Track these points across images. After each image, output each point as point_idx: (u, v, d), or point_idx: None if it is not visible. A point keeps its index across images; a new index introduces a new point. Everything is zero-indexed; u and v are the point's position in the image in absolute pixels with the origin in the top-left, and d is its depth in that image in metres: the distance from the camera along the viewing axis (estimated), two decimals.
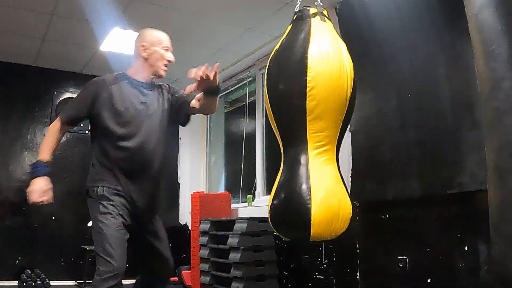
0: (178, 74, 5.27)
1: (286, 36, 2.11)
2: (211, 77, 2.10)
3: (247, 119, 5.27)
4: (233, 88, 5.48)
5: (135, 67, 2.30)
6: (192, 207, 4.75)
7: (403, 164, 2.96)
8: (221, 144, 5.91)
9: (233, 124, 5.98)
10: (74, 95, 5.16)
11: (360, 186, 3.27)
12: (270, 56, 2.15)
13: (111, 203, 2.08)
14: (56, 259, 4.83)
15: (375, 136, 3.23)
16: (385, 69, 3.19)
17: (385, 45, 3.21)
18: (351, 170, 3.36)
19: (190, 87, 2.23)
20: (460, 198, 2.60)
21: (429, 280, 2.74)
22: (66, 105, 5.08)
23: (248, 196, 4.74)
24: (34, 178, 2.08)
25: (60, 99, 5.17)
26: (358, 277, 3.25)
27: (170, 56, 2.32)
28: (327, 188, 1.96)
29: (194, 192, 4.91)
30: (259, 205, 4.54)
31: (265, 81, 2.14)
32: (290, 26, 2.15)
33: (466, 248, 2.55)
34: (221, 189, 5.66)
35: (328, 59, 1.98)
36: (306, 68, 1.95)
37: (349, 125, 2.19)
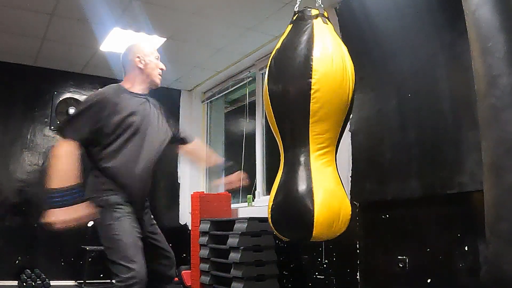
0: (178, 74, 5.28)
1: (287, 36, 2.11)
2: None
3: (247, 119, 5.27)
4: (233, 88, 5.48)
5: (131, 79, 2.31)
6: (192, 207, 4.75)
7: (403, 164, 2.96)
8: (221, 144, 5.91)
9: (233, 124, 5.98)
10: (74, 95, 5.19)
11: (360, 186, 3.27)
12: (271, 56, 2.15)
13: (124, 210, 2.08)
14: (56, 259, 4.83)
15: (375, 136, 3.23)
16: (385, 69, 3.19)
17: (385, 45, 3.21)
18: (351, 170, 3.36)
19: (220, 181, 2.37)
20: (460, 198, 2.60)
21: (429, 280, 2.74)
22: (66, 105, 5.14)
23: (248, 196, 4.74)
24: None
25: (60, 99, 5.16)
26: (358, 277, 3.25)
27: (162, 64, 2.38)
28: (328, 189, 1.98)
29: (194, 192, 4.91)
30: (259, 205, 4.54)
31: (266, 81, 2.14)
32: (290, 26, 2.15)
33: (466, 248, 2.55)
34: (221, 189, 5.66)
35: (332, 62, 1.99)
36: (311, 71, 1.95)
37: (348, 125, 2.20)
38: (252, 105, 5.07)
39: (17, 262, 4.62)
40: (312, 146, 2.01)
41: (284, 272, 3.93)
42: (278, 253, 3.89)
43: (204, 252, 4.27)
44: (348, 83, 2.04)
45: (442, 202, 2.74)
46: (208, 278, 4.18)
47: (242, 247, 3.71)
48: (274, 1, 3.67)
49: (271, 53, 2.16)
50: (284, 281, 3.92)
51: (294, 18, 2.15)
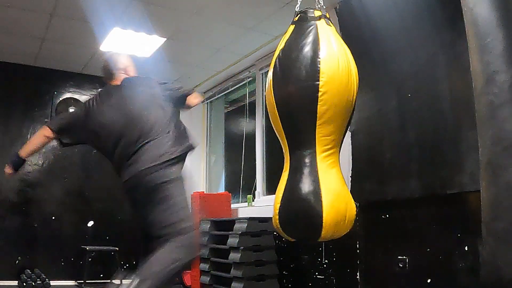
0: (178, 74, 5.27)
1: (291, 37, 2.11)
2: None
3: (247, 119, 5.27)
4: (233, 88, 5.48)
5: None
6: (192, 207, 4.74)
7: (403, 164, 2.96)
8: (221, 144, 5.91)
9: (233, 124, 5.98)
10: (74, 95, 5.20)
11: (360, 186, 3.27)
12: (275, 56, 2.14)
13: None
14: (56, 259, 4.83)
15: (375, 136, 3.23)
16: (385, 69, 3.19)
17: (385, 45, 3.21)
18: (351, 170, 3.36)
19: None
20: (460, 198, 2.60)
21: (429, 280, 2.74)
22: (66, 105, 5.14)
23: (248, 196, 4.74)
24: None
25: (60, 99, 5.17)
26: (358, 277, 3.25)
27: None
28: (335, 190, 2.02)
29: (194, 192, 4.91)
30: (259, 205, 4.53)
31: (270, 82, 2.13)
32: (293, 27, 2.14)
33: (466, 248, 2.55)
34: (221, 189, 5.66)
35: (338, 64, 2.01)
36: (318, 73, 1.97)
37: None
38: (252, 105, 5.07)
39: (17, 262, 4.62)
40: (319, 148, 2.04)
41: (284, 272, 3.93)
42: (278, 253, 3.90)
43: (204, 252, 4.27)
44: (353, 85, 2.06)
45: (442, 202, 2.74)
46: (208, 278, 4.18)
47: (242, 247, 3.71)
48: (274, 1, 3.67)
49: (274, 53, 2.16)
50: (284, 281, 3.92)
51: (296, 18, 2.15)
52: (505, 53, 1.50)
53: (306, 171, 2.03)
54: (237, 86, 5.42)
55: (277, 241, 3.91)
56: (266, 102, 2.20)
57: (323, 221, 1.93)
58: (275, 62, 2.12)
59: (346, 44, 2.14)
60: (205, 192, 5.47)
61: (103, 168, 4.62)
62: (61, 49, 4.63)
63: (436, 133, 2.78)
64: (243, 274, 3.66)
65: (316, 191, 1.98)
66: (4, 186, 4.71)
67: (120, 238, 4.88)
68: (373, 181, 3.19)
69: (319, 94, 1.97)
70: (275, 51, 2.18)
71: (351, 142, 3.38)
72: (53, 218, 4.86)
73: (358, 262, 3.26)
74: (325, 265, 3.54)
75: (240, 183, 5.13)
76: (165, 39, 4.34)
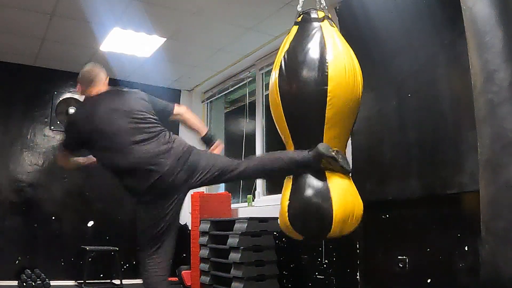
0: (178, 74, 5.27)
1: (295, 38, 2.11)
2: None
3: (247, 119, 5.27)
4: (233, 88, 5.48)
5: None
6: (192, 207, 4.75)
7: (403, 164, 2.96)
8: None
9: (233, 124, 5.98)
10: (74, 95, 5.19)
11: (360, 186, 3.24)
12: (279, 57, 2.14)
13: None
14: (56, 259, 4.83)
15: (375, 136, 3.23)
16: (385, 69, 3.19)
17: (385, 45, 3.21)
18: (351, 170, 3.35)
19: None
20: (460, 198, 2.60)
21: (429, 280, 2.74)
22: (66, 105, 5.14)
23: (248, 196, 4.74)
24: None
25: (60, 99, 5.17)
26: (358, 277, 3.25)
27: None
28: (343, 189, 2.07)
29: (194, 192, 4.90)
30: (259, 205, 4.53)
31: (275, 84, 2.13)
32: (296, 28, 2.14)
33: (466, 248, 2.55)
34: (221, 189, 5.66)
35: (345, 67, 2.02)
36: (327, 78, 1.98)
37: None
38: (252, 105, 5.07)
39: (17, 262, 4.62)
40: None
41: (284, 272, 3.93)
42: (278, 253, 3.89)
43: (204, 252, 4.27)
44: (358, 87, 2.07)
45: (442, 202, 2.74)
46: (208, 278, 4.18)
47: (242, 247, 3.71)
48: (274, 1, 3.67)
49: (275, 53, 2.16)
50: (284, 281, 3.92)
51: (299, 19, 2.15)
52: (504, 51, 1.50)
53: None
54: (237, 86, 5.42)
55: (277, 241, 3.91)
56: (270, 101, 2.19)
57: (333, 216, 1.97)
58: (281, 64, 2.12)
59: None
60: (205, 192, 5.46)
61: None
62: (61, 49, 4.63)
63: (436, 133, 2.78)
64: (243, 274, 3.66)
65: (325, 188, 2.02)
66: (4, 186, 4.72)
67: (120, 238, 4.88)
68: (373, 181, 3.18)
69: (328, 98, 1.98)
70: (277, 51, 2.17)
71: (351, 142, 3.37)
72: (53, 218, 4.86)
73: (358, 262, 3.26)
74: (325, 265, 3.54)
75: (240, 183, 5.13)
76: (165, 39, 4.34)
